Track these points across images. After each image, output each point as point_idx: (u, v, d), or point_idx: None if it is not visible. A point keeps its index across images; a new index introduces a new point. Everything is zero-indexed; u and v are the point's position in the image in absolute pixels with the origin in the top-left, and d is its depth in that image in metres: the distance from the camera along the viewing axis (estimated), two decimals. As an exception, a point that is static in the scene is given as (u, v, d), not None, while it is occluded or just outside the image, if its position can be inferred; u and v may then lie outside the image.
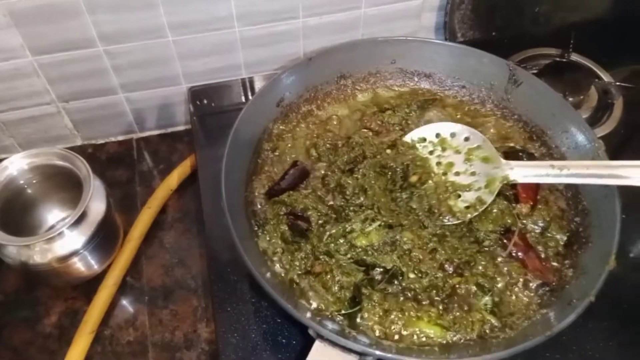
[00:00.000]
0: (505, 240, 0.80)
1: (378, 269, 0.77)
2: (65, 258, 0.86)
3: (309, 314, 0.70)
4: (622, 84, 1.08)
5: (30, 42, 0.93)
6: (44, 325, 0.93)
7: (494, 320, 0.74)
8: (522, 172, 0.82)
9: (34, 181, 0.92)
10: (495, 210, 0.82)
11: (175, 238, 1.02)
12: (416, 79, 0.98)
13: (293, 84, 0.92)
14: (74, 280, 0.94)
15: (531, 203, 0.84)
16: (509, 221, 0.82)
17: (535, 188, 0.85)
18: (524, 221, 0.83)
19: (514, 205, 0.83)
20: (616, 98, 1.07)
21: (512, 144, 0.92)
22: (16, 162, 0.88)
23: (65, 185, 0.92)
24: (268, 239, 0.80)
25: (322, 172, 0.87)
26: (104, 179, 0.93)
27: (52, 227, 0.98)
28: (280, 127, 0.92)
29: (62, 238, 0.85)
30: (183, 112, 1.14)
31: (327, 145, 0.89)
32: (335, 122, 0.94)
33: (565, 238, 0.82)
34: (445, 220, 0.81)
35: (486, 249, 0.80)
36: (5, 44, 0.92)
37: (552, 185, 0.86)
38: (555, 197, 0.86)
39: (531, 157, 0.90)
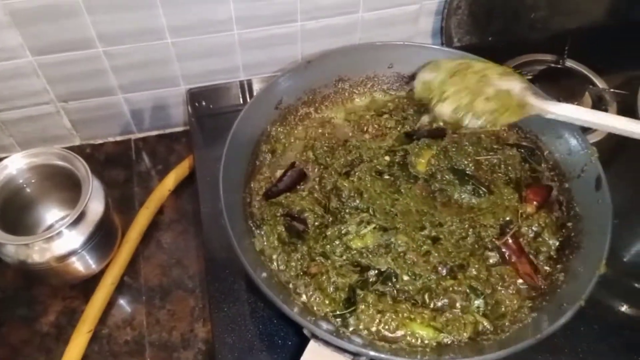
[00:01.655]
0: (498, 242, 0.81)
1: (373, 270, 0.78)
2: (63, 257, 0.86)
3: (303, 315, 0.71)
4: (616, 91, 1.09)
5: (30, 42, 0.93)
6: (41, 324, 0.93)
7: (486, 323, 0.75)
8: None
9: (33, 180, 0.92)
10: (503, 203, 0.84)
11: (172, 238, 1.03)
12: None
13: (291, 86, 0.92)
14: (72, 279, 0.94)
15: (536, 204, 0.85)
16: (507, 218, 0.83)
17: (546, 192, 0.87)
18: (521, 223, 0.83)
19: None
20: (610, 104, 1.08)
21: (510, 142, 0.94)
22: (16, 162, 0.89)
23: (64, 185, 0.92)
24: (265, 239, 0.81)
25: (319, 174, 0.88)
26: (102, 179, 0.94)
27: (50, 227, 0.99)
28: (279, 129, 0.92)
29: (61, 237, 0.86)
30: (181, 113, 1.15)
31: (325, 147, 0.90)
32: (332, 125, 0.95)
33: (557, 243, 0.83)
34: (467, 121, 0.83)
35: (482, 245, 0.81)
36: (5, 44, 0.92)
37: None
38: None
39: (532, 151, 0.91)
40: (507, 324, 0.75)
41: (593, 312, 0.79)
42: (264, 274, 0.75)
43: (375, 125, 0.93)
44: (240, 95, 1.09)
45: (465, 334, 0.74)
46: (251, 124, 0.88)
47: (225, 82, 1.10)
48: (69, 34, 0.94)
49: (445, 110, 0.85)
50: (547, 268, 0.81)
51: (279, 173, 0.89)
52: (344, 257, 0.79)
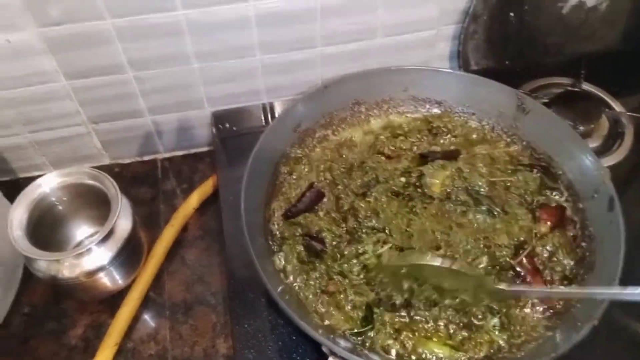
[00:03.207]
0: (512, 262, 0.82)
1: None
2: (92, 273, 0.89)
3: (322, 332, 0.73)
4: (633, 114, 1.09)
5: (64, 67, 0.98)
6: (69, 337, 0.96)
7: (501, 341, 0.76)
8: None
9: (64, 198, 0.96)
10: (517, 223, 0.85)
11: (196, 255, 1.06)
12: (427, 106, 1.02)
13: (309, 110, 0.95)
14: (100, 294, 0.97)
15: (550, 224, 0.86)
16: (522, 238, 0.84)
17: (560, 213, 0.88)
18: (535, 243, 0.85)
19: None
20: (627, 127, 1.08)
21: (525, 162, 0.95)
22: (49, 181, 0.92)
23: (93, 202, 0.96)
24: (284, 258, 0.83)
25: (337, 195, 0.90)
26: (129, 197, 0.97)
27: (80, 243, 1.02)
28: (297, 151, 0.95)
29: (90, 254, 0.89)
30: (206, 134, 1.19)
31: (342, 169, 0.93)
32: (349, 147, 0.98)
33: (572, 263, 0.84)
34: None
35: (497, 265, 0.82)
36: (41, 69, 0.97)
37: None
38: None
39: (546, 170, 0.92)
40: (522, 342, 0.76)
41: (608, 332, 0.80)
42: (284, 292, 0.77)
43: (391, 147, 0.96)
44: (263, 117, 1.12)
45: (481, 353, 0.75)
46: (271, 147, 0.91)
47: (248, 104, 1.13)
48: (101, 59, 0.99)
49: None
50: (562, 288, 0.82)
51: (298, 193, 0.91)
52: (362, 276, 0.81)
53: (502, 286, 0.77)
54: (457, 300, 0.78)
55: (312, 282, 0.81)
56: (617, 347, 0.85)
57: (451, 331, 0.77)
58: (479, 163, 0.93)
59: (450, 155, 0.94)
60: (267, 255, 0.83)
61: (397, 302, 0.79)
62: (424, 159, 0.94)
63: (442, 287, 0.77)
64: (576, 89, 1.14)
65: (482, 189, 0.90)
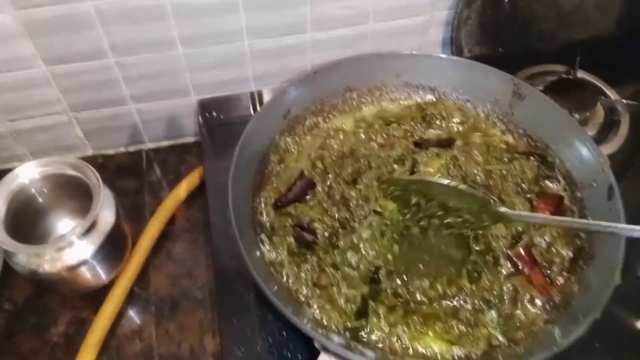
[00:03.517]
0: (509, 252, 0.81)
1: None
2: (74, 267, 0.86)
3: (314, 327, 0.71)
4: (629, 102, 1.08)
5: (43, 52, 0.94)
6: (51, 333, 0.93)
7: (499, 336, 0.74)
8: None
9: (45, 190, 0.93)
10: None
11: (183, 249, 1.03)
12: (421, 93, 1.00)
13: (299, 96, 0.93)
14: (82, 289, 0.94)
15: (547, 214, 0.85)
16: (519, 228, 0.82)
17: (557, 202, 0.87)
18: (533, 233, 0.83)
19: None
20: (622, 115, 1.07)
21: (522, 150, 0.93)
22: (27, 171, 0.89)
23: (75, 194, 0.93)
24: (274, 250, 0.81)
25: (328, 184, 0.88)
26: (114, 188, 0.94)
27: (61, 236, 0.99)
28: (287, 139, 0.93)
29: (72, 247, 0.86)
30: (192, 123, 1.16)
31: (333, 157, 0.90)
32: (341, 135, 0.95)
33: (570, 254, 0.82)
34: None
35: (492, 256, 0.80)
36: (19, 54, 0.93)
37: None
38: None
39: (543, 158, 0.91)
40: (521, 336, 0.74)
41: (608, 327, 0.78)
42: (274, 285, 0.75)
43: (384, 135, 0.93)
44: (251, 106, 1.09)
45: (479, 347, 0.73)
46: (260, 134, 0.88)
47: (235, 92, 1.10)
48: (82, 44, 0.95)
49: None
50: (560, 279, 0.80)
51: (288, 183, 0.88)
52: (361, 267, 0.79)
53: (503, 209, 0.78)
54: (460, 219, 0.80)
55: (303, 275, 0.78)
56: (617, 342, 0.83)
57: (448, 326, 0.74)
58: (474, 151, 0.91)
59: (445, 144, 0.92)
60: (256, 248, 0.80)
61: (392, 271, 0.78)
62: (418, 146, 0.91)
63: (447, 205, 0.80)
64: (571, 77, 1.12)
65: (478, 177, 0.88)
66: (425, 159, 0.89)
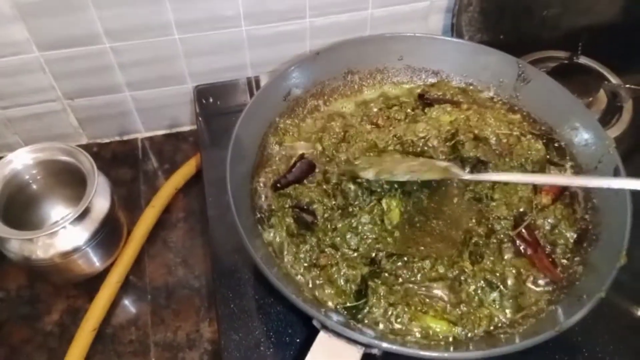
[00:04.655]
0: (511, 233, 0.79)
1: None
2: (67, 254, 0.85)
3: (313, 305, 0.69)
4: (632, 87, 1.06)
5: (36, 37, 0.93)
6: (44, 322, 0.91)
7: (501, 316, 0.73)
8: None
9: (39, 177, 0.91)
10: (517, 193, 0.82)
11: (179, 237, 1.01)
12: (423, 76, 0.98)
13: (300, 78, 0.91)
14: (76, 277, 0.92)
15: (551, 196, 0.83)
16: (521, 210, 0.81)
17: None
18: (536, 215, 0.81)
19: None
20: (625, 101, 1.05)
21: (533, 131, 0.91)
22: (21, 157, 0.88)
23: (69, 181, 0.91)
24: (273, 231, 0.79)
25: (325, 167, 0.86)
26: (109, 178, 0.92)
27: (55, 222, 0.97)
28: (287, 121, 0.91)
29: (65, 233, 0.84)
30: (188, 112, 1.14)
31: (333, 140, 0.88)
32: (341, 118, 0.93)
33: (574, 235, 0.80)
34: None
35: (495, 238, 0.79)
36: (11, 38, 0.91)
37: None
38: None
39: (550, 141, 0.89)
40: (524, 317, 0.72)
41: (612, 313, 0.79)
42: (273, 266, 0.73)
43: (385, 117, 0.91)
44: (248, 93, 1.08)
45: (480, 328, 0.71)
46: (259, 116, 0.86)
47: (233, 79, 1.08)
48: (75, 29, 0.93)
49: (369, 174, 0.81)
50: (564, 261, 0.78)
51: (287, 165, 0.87)
52: (361, 249, 0.77)
53: (467, 177, 0.80)
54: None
55: (302, 256, 0.76)
56: (620, 331, 0.81)
57: (448, 306, 0.73)
58: (487, 114, 0.89)
59: (454, 103, 0.91)
60: (255, 229, 0.78)
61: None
62: (424, 101, 0.91)
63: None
64: (573, 62, 1.10)
65: (490, 138, 0.87)
66: (435, 113, 0.88)
